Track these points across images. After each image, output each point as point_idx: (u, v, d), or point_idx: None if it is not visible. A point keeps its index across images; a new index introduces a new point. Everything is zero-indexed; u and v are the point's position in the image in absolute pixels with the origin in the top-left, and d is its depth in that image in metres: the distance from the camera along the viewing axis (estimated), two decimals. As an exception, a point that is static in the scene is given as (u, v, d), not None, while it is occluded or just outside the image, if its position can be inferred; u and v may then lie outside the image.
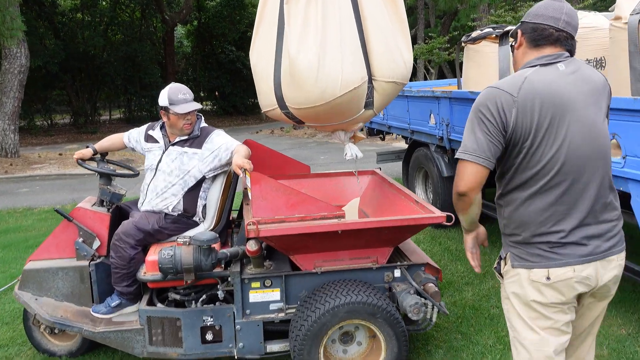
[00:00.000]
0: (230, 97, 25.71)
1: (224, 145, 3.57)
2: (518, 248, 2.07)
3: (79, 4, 23.40)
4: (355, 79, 3.24)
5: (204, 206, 3.68)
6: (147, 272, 3.34)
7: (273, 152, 4.24)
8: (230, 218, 3.93)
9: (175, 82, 3.65)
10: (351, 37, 3.29)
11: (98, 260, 3.55)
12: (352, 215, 4.14)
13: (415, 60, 16.25)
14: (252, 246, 3.14)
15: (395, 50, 3.44)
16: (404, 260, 3.46)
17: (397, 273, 3.31)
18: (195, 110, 3.61)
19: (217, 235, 3.21)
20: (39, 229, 6.87)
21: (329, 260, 3.26)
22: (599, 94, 2.05)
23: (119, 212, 3.80)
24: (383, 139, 7.90)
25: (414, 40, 17.65)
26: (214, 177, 3.70)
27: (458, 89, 6.01)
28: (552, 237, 2.00)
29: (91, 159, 3.84)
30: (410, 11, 20.75)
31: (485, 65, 5.52)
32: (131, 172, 3.94)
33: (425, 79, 16.69)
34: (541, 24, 2.05)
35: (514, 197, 2.06)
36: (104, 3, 24.04)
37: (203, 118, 3.82)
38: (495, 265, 2.23)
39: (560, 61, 2.03)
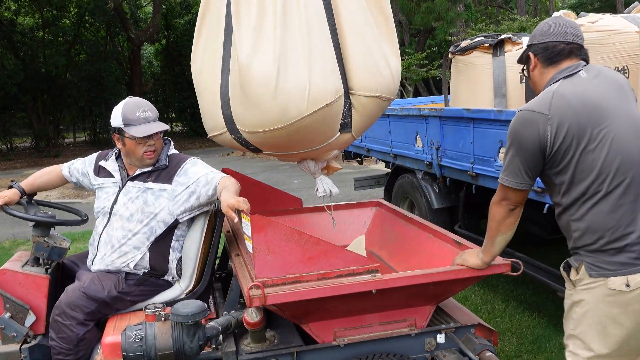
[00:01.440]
0: (201, 117, 24.88)
1: (202, 178, 2.71)
2: (594, 257, 2.00)
3: (40, 22, 22.43)
4: (327, 94, 2.46)
5: (179, 260, 2.81)
6: None
7: (257, 183, 3.43)
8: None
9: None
10: (322, 40, 2.51)
11: (33, 342, 2.63)
12: None
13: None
14: (253, 317, 2.31)
15: (379, 57, 2.67)
16: (448, 320, 2.63)
17: (440, 339, 2.51)
18: (160, 132, 2.74)
19: (205, 306, 2.30)
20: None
21: (354, 328, 2.44)
22: (625, 91, 2.10)
23: (62, 273, 2.91)
24: (361, 163, 7.13)
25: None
26: (192, 221, 2.82)
27: (446, 106, 5.28)
28: (629, 239, 1.95)
29: (19, 202, 2.90)
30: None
31: (477, 79, 4.79)
32: (76, 218, 2.97)
33: (402, 97, 16.09)
34: (551, 42, 2.11)
35: (578, 209, 2.02)
36: (66, 21, 23.09)
37: (172, 143, 2.94)
38: (563, 265, 2.14)
39: (580, 70, 2.07)
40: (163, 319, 2.32)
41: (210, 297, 3.00)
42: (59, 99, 22.29)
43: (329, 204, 3.13)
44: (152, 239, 2.72)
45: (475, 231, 4.39)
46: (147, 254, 2.71)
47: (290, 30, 2.42)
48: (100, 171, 2.91)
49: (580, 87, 2.01)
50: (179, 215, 2.74)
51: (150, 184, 2.75)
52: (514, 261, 2.40)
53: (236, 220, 2.30)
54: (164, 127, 2.75)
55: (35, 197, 3.01)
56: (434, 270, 2.36)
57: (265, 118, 2.44)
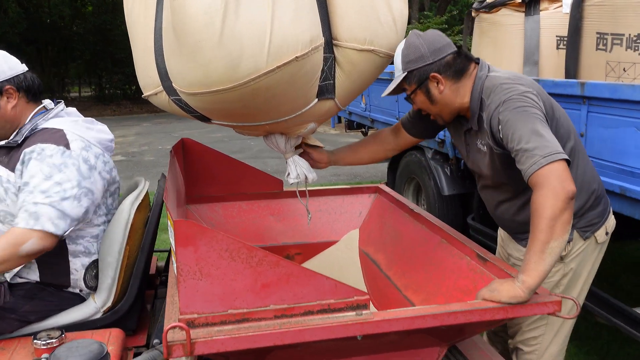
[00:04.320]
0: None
1: (26, 191, 1.87)
2: (585, 217, 2.00)
3: (45, -31, 21.59)
4: (297, 42, 1.72)
5: (90, 267, 2.08)
6: None
7: (226, 159, 2.64)
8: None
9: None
10: (295, -35, 1.76)
11: None
12: (350, 261, 2.66)
13: (408, 43, 14.67)
14: None
15: (376, -4, 1.92)
16: None
17: None
18: None
19: (104, 352, 1.65)
20: None
21: None
22: None
23: None
24: (365, 134, 6.38)
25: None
26: (107, 212, 2.15)
27: (465, 73, 4.52)
28: (601, 189, 2.05)
29: None
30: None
31: (504, 43, 4.07)
32: None
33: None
34: (448, 55, 1.96)
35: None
36: (73, -31, 22.21)
37: (61, 109, 2.11)
38: None
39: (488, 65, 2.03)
40: None
41: (150, 306, 2.34)
42: (64, 52, 21.64)
43: (304, 190, 2.43)
44: None
45: (492, 226, 3.67)
46: (35, 265, 1.98)
47: (246, -53, 1.67)
48: None
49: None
50: None
51: (1, 169, 1.97)
52: (568, 297, 1.73)
53: None
54: None
55: None
56: (448, 309, 1.63)
57: (207, 74, 1.71)
